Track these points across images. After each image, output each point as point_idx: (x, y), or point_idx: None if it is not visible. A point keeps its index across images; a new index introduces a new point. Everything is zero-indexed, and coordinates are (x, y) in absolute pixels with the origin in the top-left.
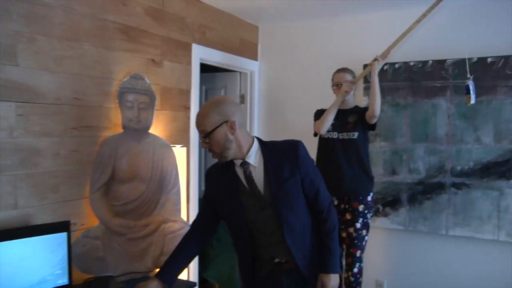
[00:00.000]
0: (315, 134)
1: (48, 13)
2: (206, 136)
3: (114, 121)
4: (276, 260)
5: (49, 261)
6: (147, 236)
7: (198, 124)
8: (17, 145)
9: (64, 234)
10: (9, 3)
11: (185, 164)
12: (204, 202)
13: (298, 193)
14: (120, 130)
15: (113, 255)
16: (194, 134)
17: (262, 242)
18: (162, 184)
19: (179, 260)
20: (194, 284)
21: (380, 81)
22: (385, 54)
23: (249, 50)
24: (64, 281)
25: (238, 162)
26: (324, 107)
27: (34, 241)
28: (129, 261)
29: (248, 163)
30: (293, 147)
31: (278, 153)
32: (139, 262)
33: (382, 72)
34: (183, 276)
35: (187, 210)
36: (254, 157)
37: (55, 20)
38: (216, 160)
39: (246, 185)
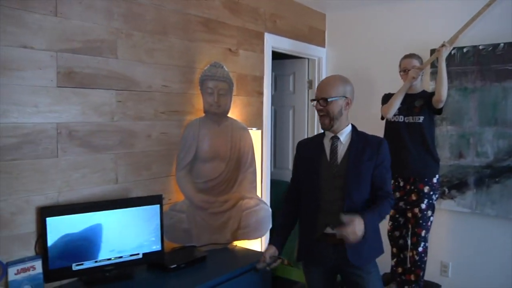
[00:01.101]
0: (382, 118)
1: (142, 11)
2: (325, 100)
3: (197, 106)
4: (328, 228)
5: (145, 229)
6: (226, 211)
7: (322, 89)
8: (117, 127)
9: (157, 206)
10: (112, 5)
11: (259, 145)
12: (293, 172)
13: (368, 176)
14: (202, 114)
15: (196, 227)
16: (267, 118)
17: (323, 208)
18: (239, 163)
19: (283, 231)
20: None
21: (448, 65)
22: (452, 40)
23: (317, 37)
24: (158, 247)
25: (329, 135)
26: (391, 91)
27: (133, 211)
28: (210, 233)
29: (338, 138)
30: (379, 141)
31: (365, 139)
32: (219, 234)
33: (449, 57)
34: (257, 247)
35: (261, 188)
36: (344, 136)
37: (147, 17)
38: (303, 137)
39: (328, 155)
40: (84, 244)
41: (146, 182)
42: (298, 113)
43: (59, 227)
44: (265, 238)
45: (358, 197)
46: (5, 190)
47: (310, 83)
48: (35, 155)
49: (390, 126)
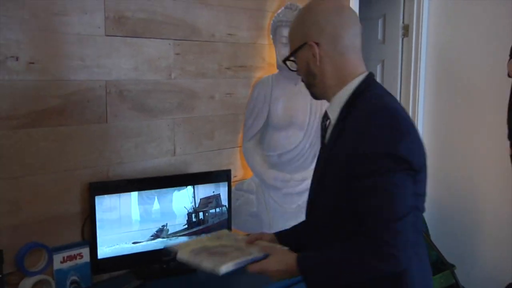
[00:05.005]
0: (509, 75)
1: None
2: (291, 55)
3: (268, 60)
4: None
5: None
6: (304, 192)
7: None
8: (175, 86)
9: (225, 184)
10: None
11: None
12: None
13: (333, 187)
14: (275, 71)
15: (268, 211)
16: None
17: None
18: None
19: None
20: None
21: None
22: None
23: None
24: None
25: None
26: None
27: (197, 190)
28: (284, 219)
29: (327, 115)
30: (365, 115)
31: (354, 112)
32: (295, 220)
33: None
34: None
35: None
36: (334, 109)
37: None
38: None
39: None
40: (140, 229)
41: (208, 155)
42: (389, 70)
43: (110, 208)
44: None
45: (322, 211)
46: (49, 163)
47: (406, 30)
48: (82, 120)
49: None
